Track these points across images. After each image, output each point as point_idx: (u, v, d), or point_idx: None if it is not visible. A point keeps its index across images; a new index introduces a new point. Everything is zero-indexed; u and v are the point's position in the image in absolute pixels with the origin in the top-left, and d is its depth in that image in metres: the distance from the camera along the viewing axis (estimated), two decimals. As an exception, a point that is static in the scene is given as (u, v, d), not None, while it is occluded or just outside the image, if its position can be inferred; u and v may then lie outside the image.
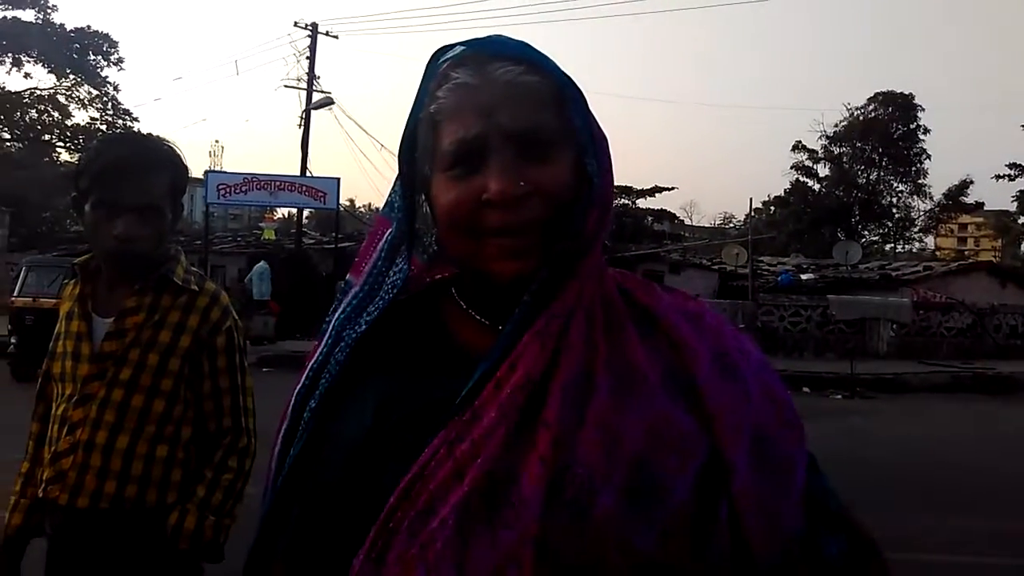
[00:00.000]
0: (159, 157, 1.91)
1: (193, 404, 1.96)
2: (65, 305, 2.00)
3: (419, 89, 0.87)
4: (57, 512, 1.88)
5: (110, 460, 1.85)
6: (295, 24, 23.81)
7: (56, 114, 32.46)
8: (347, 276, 0.97)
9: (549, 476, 0.75)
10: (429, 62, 0.88)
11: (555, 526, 0.74)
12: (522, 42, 0.86)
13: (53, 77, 32.05)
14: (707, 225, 64.88)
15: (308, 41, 23.66)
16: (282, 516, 0.88)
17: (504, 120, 0.81)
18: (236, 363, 2.00)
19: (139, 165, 1.84)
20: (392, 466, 0.79)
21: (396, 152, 0.90)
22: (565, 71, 0.87)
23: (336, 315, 0.94)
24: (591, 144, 0.85)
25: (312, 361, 0.91)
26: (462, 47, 0.85)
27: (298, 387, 0.91)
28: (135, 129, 33.03)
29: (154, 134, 2.09)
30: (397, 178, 0.92)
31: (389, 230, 0.93)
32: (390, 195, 0.94)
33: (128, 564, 1.85)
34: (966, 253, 56.65)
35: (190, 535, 1.86)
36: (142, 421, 1.88)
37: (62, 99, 32.79)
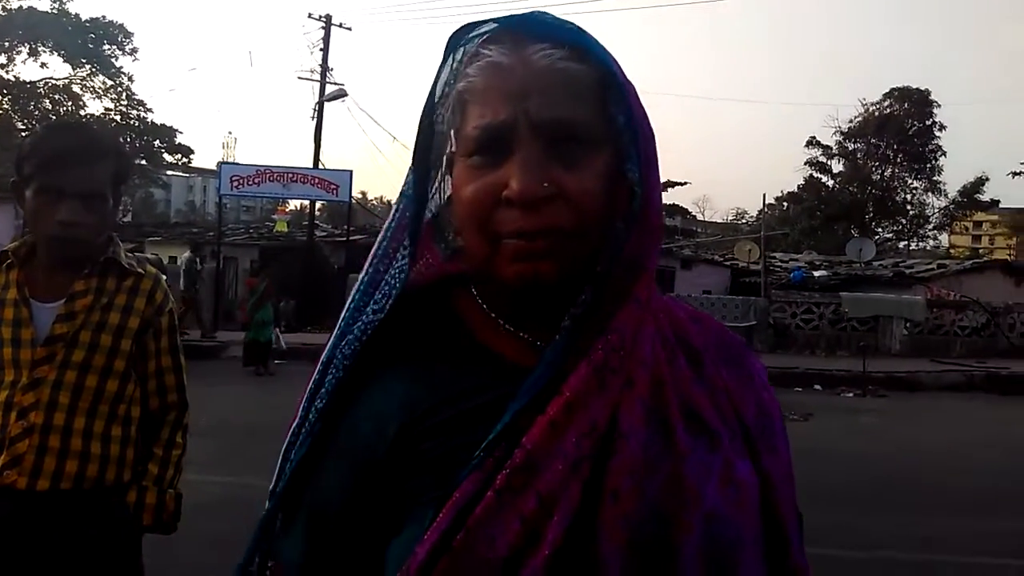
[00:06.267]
0: (104, 146, 1.95)
1: (137, 383, 2.02)
2: None
3: (441, 65, 0.80)
4: (9, 498, 1.84)
5: (70, 441, 1.88)
6: (309, 16, 23.90)
7: (70, 104, 32.67)
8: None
9: (629, 535, 0.70)
10: (454, 36, 0.80)
11: None
12: (569, 23, 0.77)
13: (68, 67, 32.27)
14: (719, 221, 64.58)
15: (322, 33, 23.70)
16: (284, 519, 0.84)
17: (535, 108, 0.72)
18: (177, 343, 2.11)
19: (85, 153, 1.87)
20: (417, 485, 0.74)
21: (411, 142, 0.83)
22: (616, 61, 0.78)
23: (345, 308, 0.87)
24: (635, 149, 0.76)
25: (323, 355, 0.85)
26: (495, 23, 0.77)
27: (309, 383, 0.85)
28: (148, 120, 33.23)
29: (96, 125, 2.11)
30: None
31: (394, 212, 0.86)
32: (405, 182, 0.86)
33: (84, 543, 1.88)
34: (980, 251, 56.29)
35: (153, 510, 1.97)
36: (96, 401, 1.92)
37: (76, 89, 33.00)
